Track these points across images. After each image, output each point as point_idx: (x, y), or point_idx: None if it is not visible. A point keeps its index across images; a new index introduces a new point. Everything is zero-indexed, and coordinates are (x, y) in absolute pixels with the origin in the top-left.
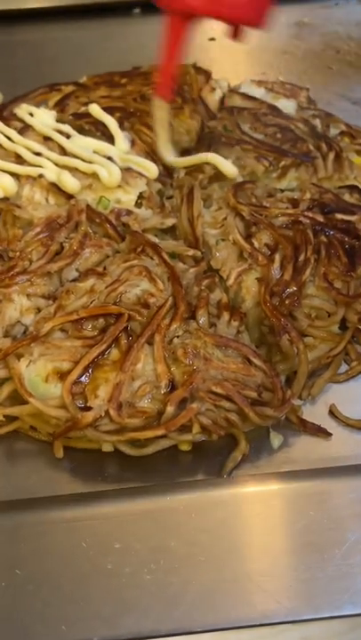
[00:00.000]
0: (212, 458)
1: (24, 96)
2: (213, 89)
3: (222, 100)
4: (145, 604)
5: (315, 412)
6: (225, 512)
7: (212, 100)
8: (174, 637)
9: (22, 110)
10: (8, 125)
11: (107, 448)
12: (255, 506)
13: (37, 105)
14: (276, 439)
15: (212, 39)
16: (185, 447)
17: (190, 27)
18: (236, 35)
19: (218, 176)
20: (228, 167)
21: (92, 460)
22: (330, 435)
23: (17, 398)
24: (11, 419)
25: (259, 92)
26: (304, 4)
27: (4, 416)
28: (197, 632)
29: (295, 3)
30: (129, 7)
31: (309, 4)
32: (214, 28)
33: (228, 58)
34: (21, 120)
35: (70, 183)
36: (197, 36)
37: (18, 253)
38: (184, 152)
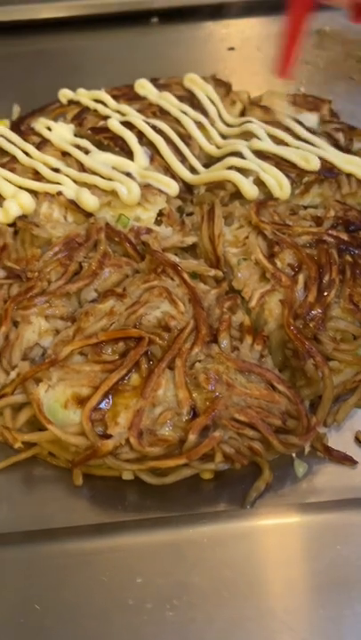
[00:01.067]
0: (235, 486)
1: (41, 109)
2: (234, 102)
3: (242, 113)
4: None
5: (340, 439)
6: (249, 546)
7: (233, 112)
8: None
9: (40, 124)
10: (26, 140)
11: (127, 476)
12: (279, 539)
13: (55, 118)
14: (300, 467)
15: (232, 49)
16: (207, 476)
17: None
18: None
19: (239, 193)
20: (248, 187)
21: (111, 488)
22: (356, 463)
23: (35, 423)
24: (29, 444)
25: (281, 105)
26: (325, 13)
27: (23, 442)
28: None
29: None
30: (147, 16)
31: (330, 13)
32: (233, 37)
33: (247, 68)
34: (39, 134)
35: (89, 201)
36: (216, 45)
37: (36, 274)
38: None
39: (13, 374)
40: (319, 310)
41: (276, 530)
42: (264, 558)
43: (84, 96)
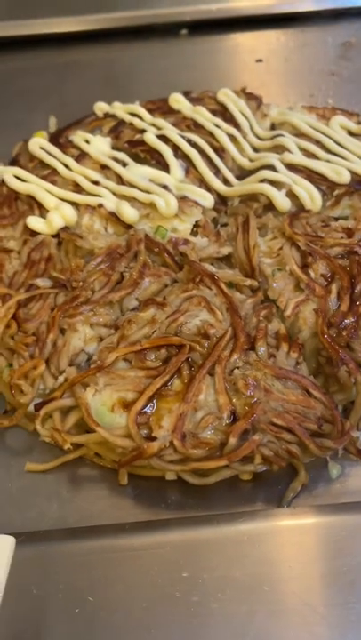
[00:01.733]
0: (272, 486)
1: (78, 122)
2: (265, 115)
3: (273, 126)
4: (212, 633)
5: None
6: (286, 543)
7: (264, 125)
8: None
9: (78, 137)
10: (65, 153)
11: (170, 476)
12: (315, 537)
13: (92, 131)
14: (334, 469)
15: (260, 60)
16: (246, 477)
17: None
18: None
19: (272, 205)
20: (280, 200)
21: (154, 487)
22: None
23: (82, 426)
24: (77, 445)
25: (310, 119)
26: (350, 24)
27: (71, 443)
28: None
29: (341, 23)
30: (176, 28)
31: (356, 24)
32: (261, 49)
33: (275, 80)
34: (78, 147)
35: (129, 214)
36: (244, 57)
37: (81, 283)
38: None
39: (61, 379)
40: (352, 319)
41: (312, 528)
42: (301, 555)
43: (120, 109)
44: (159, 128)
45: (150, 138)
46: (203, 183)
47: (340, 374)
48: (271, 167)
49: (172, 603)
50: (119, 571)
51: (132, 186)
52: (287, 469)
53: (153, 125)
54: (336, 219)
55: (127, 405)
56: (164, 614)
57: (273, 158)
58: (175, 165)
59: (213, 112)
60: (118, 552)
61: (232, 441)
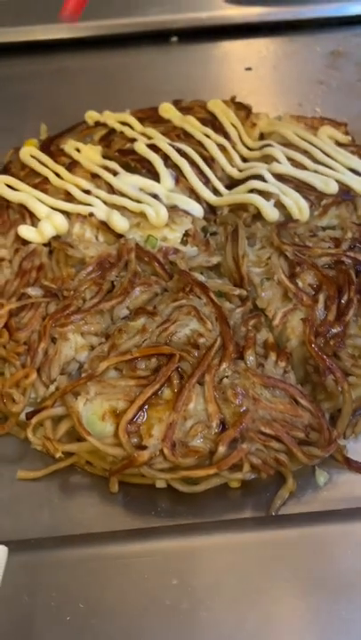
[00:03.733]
0: (260, 494)
1: (69, 130)
2: (254, 124)
3: (262, 136)
4: None
5: (359, 450)
6: (275, 550)
7: (253, 135)
8: None
9: (69, 146)
10: (56, 161)
11: (160, 484)
12: (303, 544)
13: (83, 139)
14: (321, 477)
15: (249, 69)
16: (235, 484)
17: None
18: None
19: (261, 214)
20: (268, 210)
21: (145, 495)
22: None
23: (73, 434)
24: (68, 454)
25: (298, 129)
26: (339, 33)
27: (62, 451)
28: None
29: (330, 32)
30: (167, 36)
31: (344, 33)
32: (250, 57)
33: (264, 88)
34: (69, 156)
35: (120, 223)
36: (234, 65)
37: (72, 292)
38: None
39: (53, 387)
40: (339, 328)
41: (300, 535)
42: (289, 562)
43: (111, 118)
44: (149, 137)
45: (141, 147)
46: (193, 192)
47: (328, 383)
48: (260, 177)
49: (161, 610)
50: (110, 578)
51: (122, 195)
52: (275, 477)
53: (143, 134)
54: (324, 228)
55: (118, 414)
56: (154, 622)
57: (262, 168)
58: (165, 174)
59: (203, 121)
60: (109, 560)
61: (221, 449)
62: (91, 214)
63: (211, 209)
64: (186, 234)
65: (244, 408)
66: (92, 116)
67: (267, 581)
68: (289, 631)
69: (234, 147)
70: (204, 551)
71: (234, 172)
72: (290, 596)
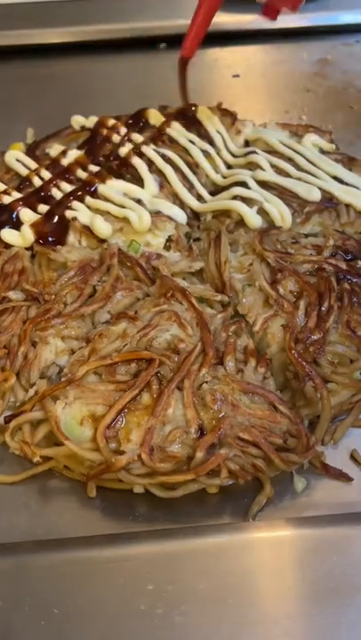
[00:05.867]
0: (238, 500)
1: (55, 134)
2: (239, 131)
3: (247, 143)
4: None
5: (337, 457)
6: (251, 556)
7: (238, 141)
8: None
9: (54, 150)
10: (40, 165)
11: (138, 489)
12: (279, 550)
13: (68, 144)
14: (299, 483)
15: (237, 76)
16: (212, 490)
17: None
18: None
19: (244, 220)
20: (251, 217)
21: (122, 500)
22: (351, 479)
23: (51, 438)
24: (46, 458)
25: (283, 135)
26: (326, 41)
27: (40, 455)
28: None
29: (317, 40)
30: (155, 42)
31: (331, 42)
32: (238, 64)
33: (251, 95)
34: (54, 159)
35: (102, 228)
36: (221, 72)
37: (53, 296)
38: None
39: (32, 392)
40: (318, 335)
41: (277, 541)
42: (265, 568)
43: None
44: (135, 142)
45: (125, 152)
46: (176, 198)
47: (307, 389)
48: (244, 184)
49: (136, 615)
50: (86, 583)
51: (106, 199)
52: (253, 483)
53: (128, 140)
54: (306, 235)
55: (96, 419)
56: (129, 627)
57: (246, 176)
58: (149, 180)
59: (188, 127)
60: (85, 564)
61: (199, 455)
62: (74, 218)
63: (194, 215)
64: (169, 239)
65: (223, 414)
66: (77, 120)
67: (242, 586)
68: (263, 636)
69: (218, 153)
70: (181, 556)
71: (218, 179)
72: (265, 602)
